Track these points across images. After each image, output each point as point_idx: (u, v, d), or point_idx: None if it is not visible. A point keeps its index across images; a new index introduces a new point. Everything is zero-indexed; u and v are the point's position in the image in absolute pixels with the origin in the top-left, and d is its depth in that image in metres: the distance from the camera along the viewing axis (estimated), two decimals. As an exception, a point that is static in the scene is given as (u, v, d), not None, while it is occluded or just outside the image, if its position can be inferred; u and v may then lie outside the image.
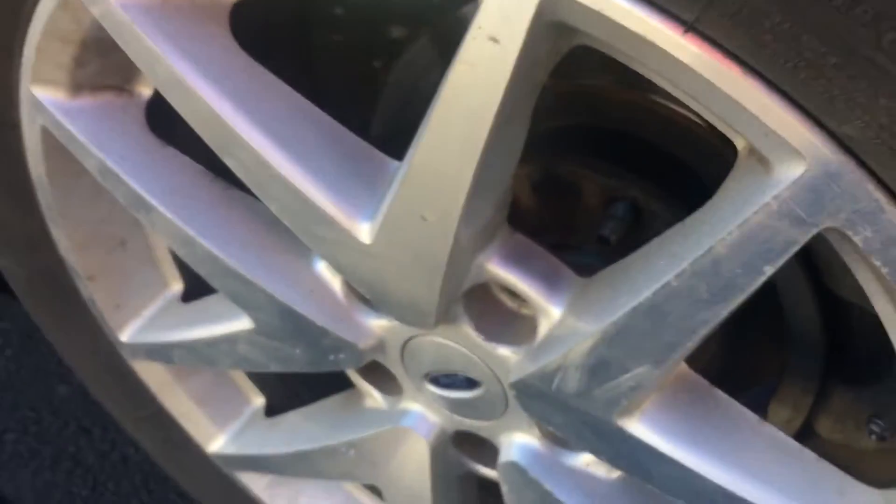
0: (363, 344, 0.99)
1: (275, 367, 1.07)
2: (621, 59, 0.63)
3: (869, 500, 0.79)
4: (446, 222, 0.76)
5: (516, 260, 0.86)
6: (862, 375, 0.94)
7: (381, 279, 0.86)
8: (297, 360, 1.04)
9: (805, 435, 1.01)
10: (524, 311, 0.92)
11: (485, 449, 1.08)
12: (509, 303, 0.94)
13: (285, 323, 0.99)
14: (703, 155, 0.95)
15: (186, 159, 0.98)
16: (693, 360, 1.01)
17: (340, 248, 0.85)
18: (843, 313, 0.90)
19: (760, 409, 1.04)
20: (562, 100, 1.01)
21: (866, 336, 0.89)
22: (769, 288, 0.94)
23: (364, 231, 0.82)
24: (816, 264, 0.88)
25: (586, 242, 1.02)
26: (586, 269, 1.02)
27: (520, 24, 0.59)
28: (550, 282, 0.86)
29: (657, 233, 0.75)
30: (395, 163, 0.80)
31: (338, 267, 0.89)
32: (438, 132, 0.69)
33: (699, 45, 0.55)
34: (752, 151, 0.63)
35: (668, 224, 0.74)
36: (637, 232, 0.99)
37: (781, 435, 0.81)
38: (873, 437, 0.68)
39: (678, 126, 0.94)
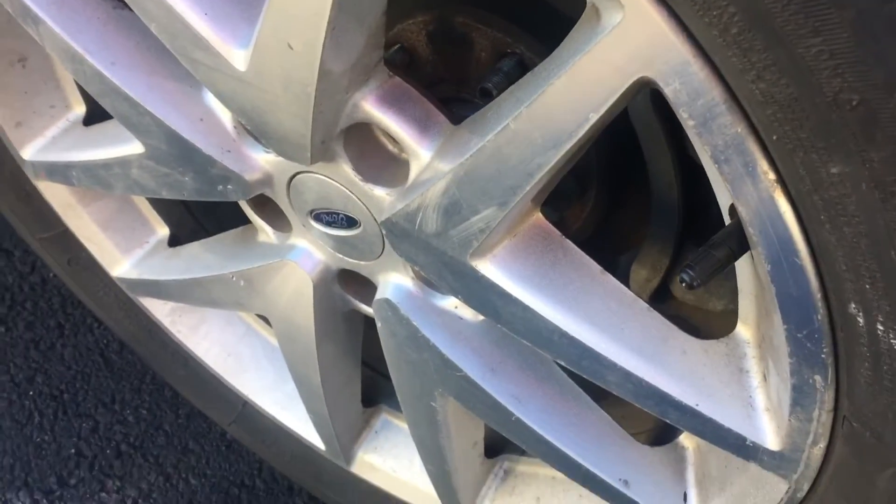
0: (250, 176, 1.02)
1: (166, 194, 1.10)
2: None
3: (690, 347, 0.85)
4: (311, 52, 0.77)
5: (391, 102, 0.88)
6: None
7: (257, 109, 0.88)
8: (186, 187, 1.06)
9: (662, 296, 1.07)
10: (403, 155, 0.94)
11: (367, 288, 1.13)
12: (389, 146, 0.97)
13: (173, 149, 1.02)
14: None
15: (76, -25, 0.97)
16: (565, 221, 1.06)
17: (217, 75, 0.86)
18: (700, 179, 0.94)
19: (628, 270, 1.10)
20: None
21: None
22: (638, 156, 0.98)
23: (239, 58, 0.84)
24: (679, 134, 0.91)
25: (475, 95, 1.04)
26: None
27: None
28: (423, 126, 0.89)
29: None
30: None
31: (217, 94, 0.90)
32: (298, -43, 0.70)
33: None
34: (593, 3, 0.64)
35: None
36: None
37: (619, 285, 0.87)
38: (683, 284, 0.73)
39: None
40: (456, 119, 0.91)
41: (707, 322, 1.08)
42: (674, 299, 1.09)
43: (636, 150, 0.97)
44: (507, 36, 1.00)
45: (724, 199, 0.75)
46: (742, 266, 0.80)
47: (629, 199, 1.09)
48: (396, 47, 1.07)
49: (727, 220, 0.77)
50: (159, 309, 1.40)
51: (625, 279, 1.11)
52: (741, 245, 0.73)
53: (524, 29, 1.00)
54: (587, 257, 0.88)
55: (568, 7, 0.98)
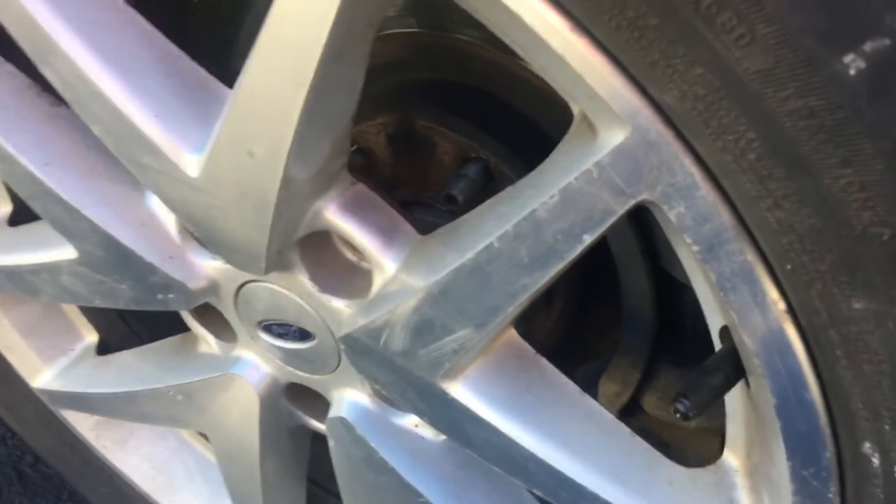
0: (194, 285, 0.94)
1: (100, 302, 1.00)
2: (460, 3, 0.60)
3: (677, 477, 0.80)
4: (274, 160, 0.71)
5: (354, 210, 0.82)
6: (687, 355, 0.96)
7: (209, 217, 0.81)
8: (123, 296, 0.98)
9: (632, 410, 1.02)
10: (364, 264, 0.88)
11: (317, 403, 1.05)
12: (349, 254, 0.91)
13: (110, 255, 0.93)
14: (562, 122, 0.94)
15: (10, 68, 0.90)
16: (531, 332, 1.01)
17: (166, 180, 0.79)
18: (675, 293, 0.90)
19: (597, 380, 1.05)
20: (424, 52, 0.98)
21: (694, 317, 0.90)
22: (608, 264, 0.95)
23: (191, 163, 0.77)
24: (653, 244, 0.88)
25: (438, 200, 0.99)
26: (437, 227, 1.00)
27: (348, -49, 0.55)
28: (388, 236, 0.83)
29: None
30: (231, 92, 0.75)
31: (164, 199, 0.83)
32: (264, 61, 0.64)
33: (529, -6, 0.52)
34: (585, 117, 0.61)
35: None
36: (489, 193, 0.97)
37: (600, 408, 0.81)
38: (678, 415, 0.68)
39: (538, 90, 0.92)
40: (422, 228, 0.85)
41: (679, 439, 1.03)
42: (644, 414, 1.04)
43: (607, 258, 0.94)
44: (471, 140, 0.96)
45: (714, 322, 0.71)
46: (731, 390, 0.75)
47: (597, 308, 1.05)
48: (354, 149, 1.02)
49: (717, 342, 0.72)
50: (83, 422, 1.28)
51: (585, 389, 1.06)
52: (737, 371, 0.69)
53: (489, 134, 0.96)
54: (564, 377, 0.82)
55: (536, 112, 0.95)
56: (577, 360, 1.07)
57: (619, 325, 1.01)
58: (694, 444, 1.00)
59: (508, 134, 0.95)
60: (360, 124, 1.00)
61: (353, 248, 0.87)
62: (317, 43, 0.61)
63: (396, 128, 0.99)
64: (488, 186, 0.96)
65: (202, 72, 0.78)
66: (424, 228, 0.87)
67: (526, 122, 0.96)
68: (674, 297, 0.91)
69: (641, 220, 0.88)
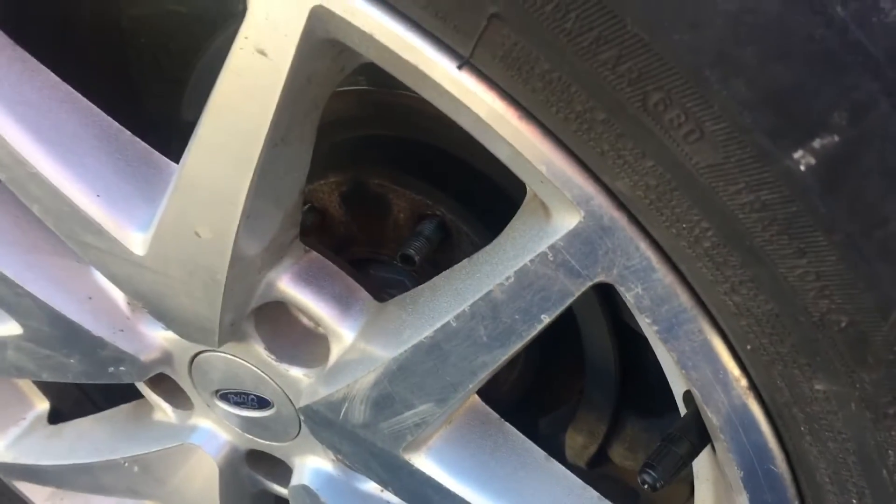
0: (146, 357, 0.91)
1: (48, 377, 0.97)
2: (409, 85, 0.59)
3: (646, 539, 0.79)
4: (222, 240, 0.69)
5: (308, 280, 0.81)
6: (653, 406, 0.95)
7: (157, 293, 0.79)
8: (72, 370, 0.94)
9: (599, 461, 1.01)
10: (320, 330, 0.86)
11: (280, 468, 1.03)
12: (305, 322, 0.89)
13: (56, 331, 0.90)
14: (518, 179, 0.93)
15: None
16: (493, 386, 1.00)
17: (110, 258, 0.77)
18: (638, 346, 0.89)
19: (562, 430, 1.04)
20: (376, 109, 0.96)
21: (657, 369, 0.89)
22: (569, 315, 0.94)
23: (136, 242, 0.75)
24: (614, 297, 0.87)
25: (395, 259, 0.98)
26: (394, 286, 0.98)
27: (289, 39, 0.53)
28: (343, 304, 0.81)
29: (467, 254, 0.72)
30: (175, 167, 0.73)
31: (110, 277, 0.80)
32: (208, 144, 0.63)
33: (475, 83, 0.51)
34: (536, 195, 0.60)
35: (478, 247, 0.71)
36: (447, 252, 0.95)
37: (566, 473, 0.80)
38: (646, 486, 0.67)
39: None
40: (378, 290, 0.84)
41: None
42: (612, 463, 1.03)
43: (567, 311, 0.93)
44: (426, 198, 0.95)
45: (677, 388, 0.70)
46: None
47: (559, 357, 1.03)
48: (307, 207, 1.00)
49: (681, 407, 0.71)
50: (38, 493, 1.23)
51: (549, 438, 1.05)
52: (702, 438, 0.68)
53: (443, 190, 0.95)
54: (530, 442, 0.81)
55: (489, 167, 0.94)
56: (540, 411, 1.06)
57: (582, 373, 1.00)
58: (663, 493, 0.99)
59: (463, 190, 0.94)
60: (313, 183, 0.98)
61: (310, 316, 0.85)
62: (261, 127, 0.59)
63: (350, 186, 0.97)
64: (445, 243, 0.95)
65: (144, 146, 0.76)
66: (381, 286, 0.85)
67: (479, 177, 0.94)
68: (636, 349, 0.91)
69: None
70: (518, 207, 0.77)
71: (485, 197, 0.94)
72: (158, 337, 0.91)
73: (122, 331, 0.91)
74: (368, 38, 0.52)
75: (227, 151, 0.62)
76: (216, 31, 1.02)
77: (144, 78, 1.13)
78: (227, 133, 0.61)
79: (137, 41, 1.11)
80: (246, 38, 0.54)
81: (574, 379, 1.03)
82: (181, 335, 0.85)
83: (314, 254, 0.81)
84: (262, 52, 0.54)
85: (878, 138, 0.40)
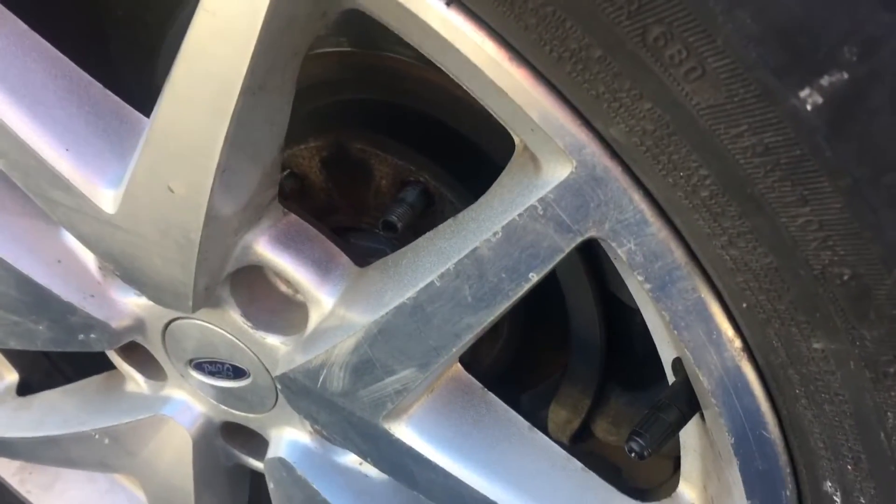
0: (118, 324, 0.88)
1: (15, 344, 0.94)
2: (393, 29, 0.56)
3: (631, 512, 0.77)
4: (196, 196, 0.66)
5: (287, 243, 0.78)
6: (638, 380, 0.93)
7: (129, 255, 0.76)
8: (40, 337, 0.91)
9: (583, 436, 0.99)
10: (299, 297, 0.84)
11: (256, 440, 1.00)
12: (283, 288, 0.86)
13: (24, 295, 0.87)
14: (502, 142, 0.90)
15: None
16: (476, 359, 0.98)
17: (79, 217, 0.74)
18: (624, 318, 0.88)
19: (545, 406, 1.02)
20: (358, 71, 0.93)
21: (644, 340, 0.87)
22: (554, 286, 0.91)
23: (107, 199, 0.72)
24: (601, 267, 0.85)
25: (377, 227, 0.95)
26: (376, 255, 0.95)
27: (268, -24, 0.50)
28: (323, 269, 0.78)
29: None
30: (148, 121, 0.70)
31: (79, 237, 0.77)
32: (181, 92, 0.59)
33: (464, 22, 0.48)
34: (526, 148, 0.57)
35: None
36: (430, 219, 0.93)
37: (550, 443, 0.78)
38: (633, 454, 0.65)
39: (477, 111, 0.89)
40: (361, 255, 0.81)
41: (631, 463, 1.00)
42: (595, 439, 1.01)
43: (553, 280, 0.91)
44: (409, 163, 0.92)
45: (666, 354, 0.68)
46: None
47: (543, 331, 1.01)
48: (286, 173, 0.97)
49: (670, 375, 0.69)
50: (6, 466, 1.20)
51: (531, 414, 1.03)
52: (691, 406, 0.66)
53: (428, 156, 0.92)
54: (513, 413, 0.79)
55: (475, 132, 0.92)
56: (523, 386, 1.03)
57: (566, 347, 0.98)
58: (647, 468, 0.98)
59: (448, 156, 0.91)
60: (292, 148, 0.95)
61: (288, 281, 0.82)
62: (237, 72, 0.56)
63: (330, 151, 0.94)
64: (428, 210, 0.92)
65: (116, 100, 0.73)
66: (363, 255, 0.82)
67: (465, 142, 0.92)
68: (622, 320, 0.89)
69: (588, 243, 0.85)
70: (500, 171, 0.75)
71: (469, 163, 0.92)
72: (130, 303, 0.88)
73: (92, 296, 0.88)
74: (352, -26, 0.49)
75: (202, 99, 0.59)
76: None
77: (121, 48, 1.09)
78: (202, 79, 0.58)
79: (115, 13, 1.07)
80: (222, -27, 0.51)
81: (558, 353, 1.01)
82: (154, 300, 0.82)
83: (293, 216, 0.79)
84: (240, -11, 0.52)
85: (890, 75, 0.38)
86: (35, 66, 0.70)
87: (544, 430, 1.02)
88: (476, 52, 0.48)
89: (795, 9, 0.38)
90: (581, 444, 1.00)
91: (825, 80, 0.39)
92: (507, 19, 0.45)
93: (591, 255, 0.85)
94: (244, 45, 0.54)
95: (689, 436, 0.73)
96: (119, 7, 1.07)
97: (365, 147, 0.92)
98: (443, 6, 0.48)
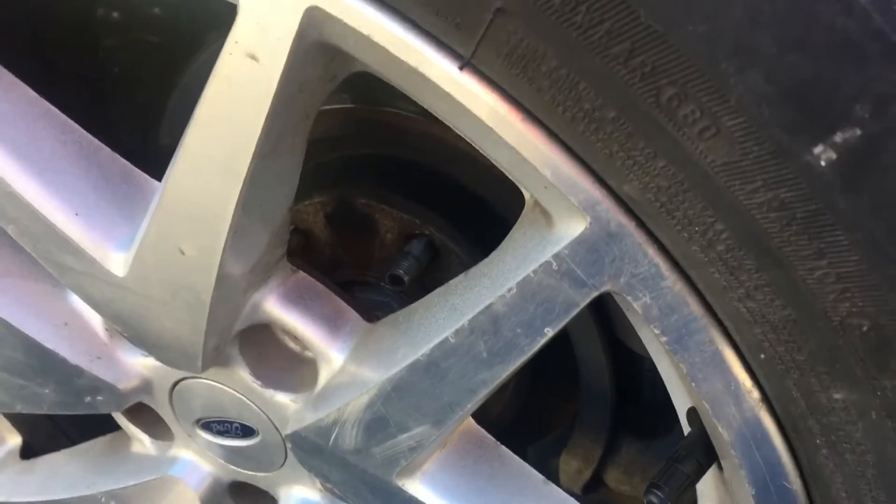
0: (125, 385, 0.88)
1: (21, 408, 0.93)
2: (404, 91, 0.57)
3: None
4: (208, 258, 0.66)
5: (296, 301, 0.78)
6: (650, 428, 0.93)
7: (138, 317, 0.75)
8: (47, 400, 0.90)
9: (595, 486, 0.99)
10: (308, 354, 0.83)
11: (264, 498, 0.99)
12: (292, 345, 0.86)
13: (30, 359, 0.86)
14: (509, 196, 0.91)
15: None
16: (486, 408, 0.97)
17: (89, 280, 0.74)
18: (633, 365, 0.88)
19: (554, 455, 1.01)
20: (362, 126, 0.94)
21: (654, 388, 0.87)
22: (562, 334, 0.91)
23: (117, 262, 0.72)
24: (609, 314, 0.85)
25: (383, 280, 0.95)
26: (383, 309, 0.95)
27: (281, 43, 0.51)
28: (333, 325, 0.78)
29: (456, 275, 0.69)
30: (158, 185, 0.70)
31: (89, 301, 0.77)
32: (195, 155, 0.60)
33: (477, 85, 0.49)
34: (537, 203, 0.58)
35: (468, 266, 0.68)
36: (436, 273, 0.93)
37: (566, 497, 0.77)
38: (653, 507, 0.64)
39: (480, 163, 0.89)
40: (366, 313, 0.81)
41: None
42: (606, 488, 1.00)
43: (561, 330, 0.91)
44: (413, 216, 0.93)
45: (681, 404, 0.68)
46: (701, 471, 0.72)
47: (552, 379, 1.01)
48: (290, 229, 0.98)
49: (685, 425, 0.69)
50: (7, 532, 1.18)
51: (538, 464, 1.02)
52: (708, 456, 0.66)
53: (432, 209, 0.93)
54: (527, 466, 0.78)
55: (479, 184, 0.93)
56: (533, 436, 1.03)
57: (575, 396, 0.98)
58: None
59: (452, 208, 0.92)
60: (297, 204, 0.96)
61: (297, 339, 0.82)
62: (251, 136, 0.57)
63: (335, 206, 0.95)
64: (434, 263, 0.92)
65: (125, 163, 0.73)
66: (369, 309, 0.82)
67: (469, 195, 0.93)
68: (632, 368, 0.89)
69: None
70: (509, 225, 0.75)
71: (474, 216, 0.93)
72: (138, 364, 0.88)
73: (99, 358, 0.88)
74: (365, 41, 0.50)
75: (215, 162, 0.59)
76: (191, 58, 1.00)
77: (119, 106, 1.10)
78: (215, 143, 0.58)
79: (112, 71, 1.09)
80: (236, 42, 0.52)
81: (567, 402, 1.01)
82: (162, 361, 0.82)
83: (301, 274, 0.79)
84: (254, 57, 0.52)
85: (902, 131, 0.39)
86: (45, 133, 0.70)
87: (554, 480, 1.01)
88: (488, 113, 0.49)
89: (807, 69, 0.39)
90: (593, 494, 0.99)
91: (838, 137, 0.40)
92: (521, 82, 0.46)
93: (599, 302, 0.85)
94: (258, 110, 0.55)
95: (707, 486, 0.73)
96: (115, 65, 1.08)
97: (368, 201, 0.93)
98: (455, 70, 0.49)
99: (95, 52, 1.05)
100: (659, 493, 0.64)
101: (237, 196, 0.61)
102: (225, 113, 0.56)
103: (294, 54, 0.52)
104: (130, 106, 1.10)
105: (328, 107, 0.95)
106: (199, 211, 0.63)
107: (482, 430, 0.78)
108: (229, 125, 0.57)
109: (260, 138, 0.57)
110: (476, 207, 0.93)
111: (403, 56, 0.49)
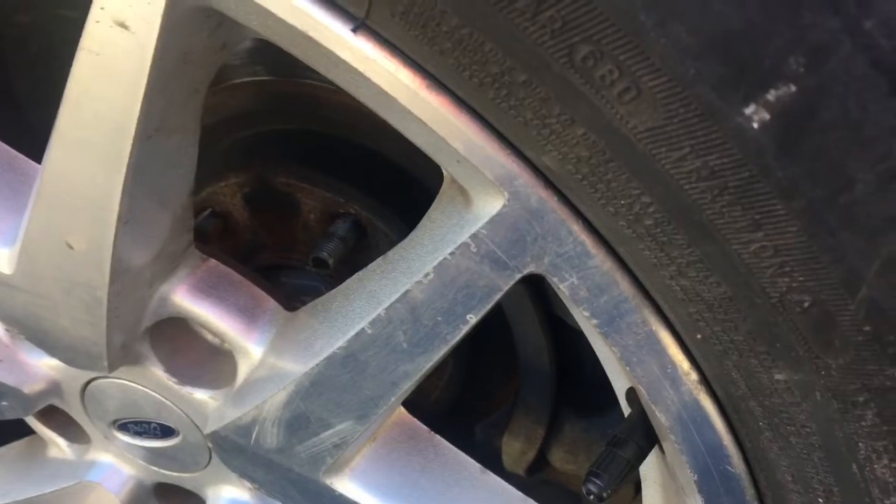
0: (30, 388, 0.81)
1: (-81, 417, 0.86)
2: (301, 59, 0.51)
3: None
4: (98, 251, 0.60)
5: (207, 291, 0.72)
6: (592, 404, 0.89)
7: (34, 316, 0.69)
8: (-55, 408, 0.83)
9: (540, 467, 0.95)
10: (226, 347, 0.78)
11: (192, 500, 0.93)
12: (210, 339, 0.80)
13: (-78, 365, 0.79)
14: (438, 170, 0.86)
15: None
16: (422, 395, 0.93)
17: (-26, 279, 0.67)
18: (573, 342, 0.84)
19: (499, 435, 0.98)
20: (279, 100, 0.88)
21: (596, 365, 0.84)
22: (498, 314, 0.87)
23: (2, 259, 0.65)
24: (545, 291, 0.81)
25: (308, 263, 0.90)
26: (310, 294, 0.90)
27: (152, 8, 0.45)
28: (250, 316, 0.73)
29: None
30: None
31: (-24, 301, 0.70)
32: (69, 140, 0.54)
33: (374, 49, 0.43)
34: (454, 179, 0.53)
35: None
36: (364, 253, 0.88)
37: (504, 485, 0.73)
38: (591, 497, 0.61)
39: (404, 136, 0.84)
40: (293, 299, 0.76)
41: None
42: (552, 468, 0.97)
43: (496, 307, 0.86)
44: (337, 195, 0.87)
45: (619, 385, 0.64)
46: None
47: (491, 358, 0.97)
48: (206, 213, 0.92)
49: (624, 406, 0.65)
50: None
51: (486, 445, 0.99)
52: (649, 438, 0.62)
53: (357, 186, 0.87)
54: (463, 455, 0.74)
55: (405, 159, 0.87)
56: (476, 417, 0.99)
57: (515, 372, 0.94)
58: (607, 496, 0.94)
59: (378, 184, 0.87)
60: (213, 185, 0.90)
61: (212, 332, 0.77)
62: (129, 116, 0.51)
63: (254, 187, 0.89)
64: (361, 243, 0.87)
65: (8, 150, 0.66)
66: (296, 294, 0.77)
67: (396, 170, 0.87)
68: (572, 344, 0.85)
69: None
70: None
71: (403, 191, 0.87)
72: (43, 365, 0.81)
73: (1, 361, 0.81)
74: (247, 3, 0.44)
75: (93, 146, 0.53)
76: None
77: (29, 86, 1.03)
78: (91, 125, 0.52)
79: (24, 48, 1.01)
80: (102, 8, 0.46)
81: (509, 379, 0.97)
82: (66, 362, 0.76)
83: (213, 262, 0.73)
84: (123, 25, 0.46)
85: (841, 86, 0.35)
86: None
87: (499, 461, 0.98)
88: (389, 80, 0.44)
89: (734, 18, 0.34)
90: (538, 475, 0.96)
91: (771, 95, 0.36)
92: (421, 44, 0.41)
93: (534, 277, 0.81)
94: (134, 85, 0.49)
95: (649, 467, 0.69)
96: (33, 43, 1.00)
97: (289, 180, 0.87)
98: (349, 33, 0.43)
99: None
100: (598, 482, 0.60)
101: (122, 182, 0.55)
102: (97, 90, 0.50)
103: (169, 20, 0.46)
104: (36, 83, 1.02)
105: (241, 80, 0.89)
106: (82, 201, 0.57)
107: (414, 420, 0.74)
108: (104, 104, 0.51)
109: (140, 117, 0.51)
110: (404, 183, 0.88)
111: (290, 19, 0.44)
